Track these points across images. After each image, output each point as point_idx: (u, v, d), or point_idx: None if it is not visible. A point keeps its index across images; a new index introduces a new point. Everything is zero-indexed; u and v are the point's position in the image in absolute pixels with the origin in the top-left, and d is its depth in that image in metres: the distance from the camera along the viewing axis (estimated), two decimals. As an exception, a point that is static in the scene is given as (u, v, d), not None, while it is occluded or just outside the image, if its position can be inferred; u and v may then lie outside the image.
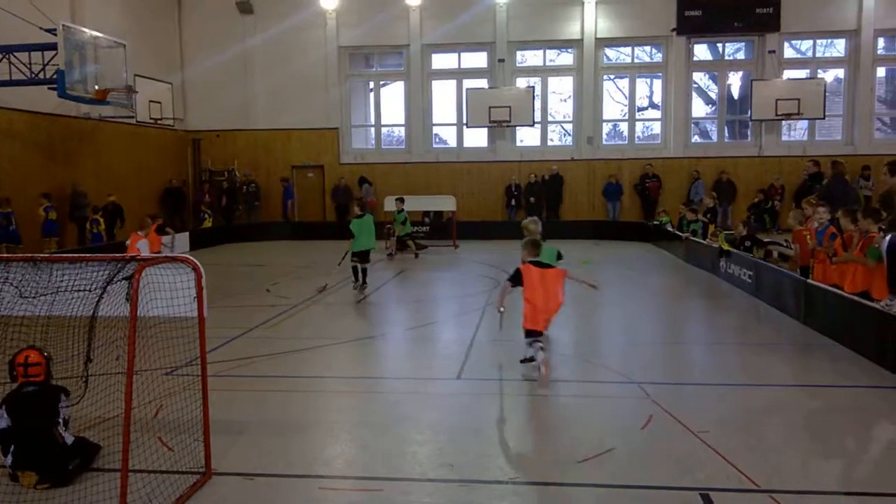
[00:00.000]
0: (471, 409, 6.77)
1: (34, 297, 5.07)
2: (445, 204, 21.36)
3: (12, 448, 5.05)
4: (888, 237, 7.89)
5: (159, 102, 21.23)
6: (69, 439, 5.18)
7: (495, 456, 5.57)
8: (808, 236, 10.56)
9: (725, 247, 13.86)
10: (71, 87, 14.92)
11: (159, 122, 21.40)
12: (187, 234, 21.31)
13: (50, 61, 14.90)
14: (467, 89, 24.15)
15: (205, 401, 5.23)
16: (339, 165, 24.96)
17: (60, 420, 5.17)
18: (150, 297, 4.76)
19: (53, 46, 14.61)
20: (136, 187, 21.54)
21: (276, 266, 17.48)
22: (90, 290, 4.97)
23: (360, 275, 13.25)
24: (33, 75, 15.21)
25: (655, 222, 20.78)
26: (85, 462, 5.23)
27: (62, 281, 5.03)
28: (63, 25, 14.83)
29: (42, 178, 17.65)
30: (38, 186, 17.28)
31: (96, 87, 15.82)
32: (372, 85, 26.40)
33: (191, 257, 5.02)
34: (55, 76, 14.70)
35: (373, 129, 26.27)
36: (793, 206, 13.38)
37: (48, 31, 14.74)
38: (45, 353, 5.31)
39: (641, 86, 25.33)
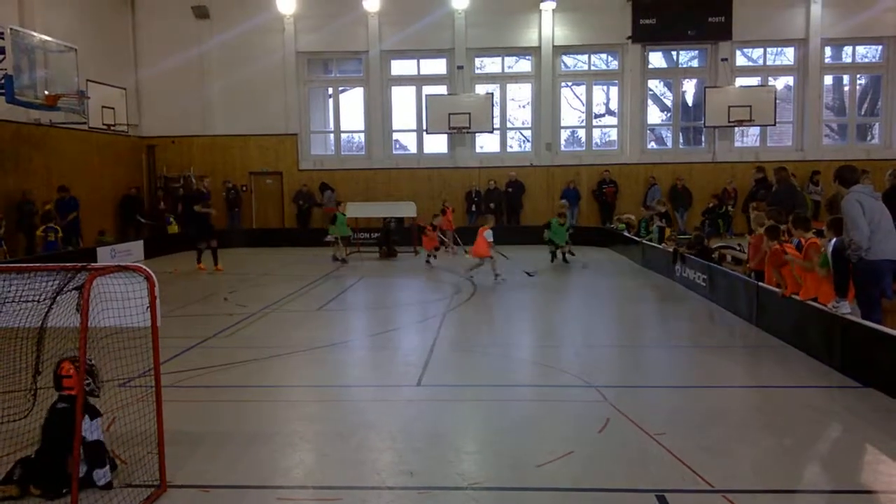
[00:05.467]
0: (430, 415, 6.77)
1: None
2: (406, 210, 21.30)
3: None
4: (832, 241, 8.08)
5: (112, 108, 20.76)
6: (82, 469, 4.83)
7: (455, 462, 5.57)
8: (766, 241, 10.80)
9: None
10: (20, 92, 14.54)
11: (112, 127, 20.93)
12: (142, 242, 20.91)
13: (-3, 66, 14.54)
14: (427, 96, 24.23)
15: (159, 412, 5.14)
16: (298, 171, 24.76)
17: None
18: (102, 307, 4.67)
19: (1, 51, 14.27)
20: (89, 195, 21.01)
21: (233, 274, 17.25)
22: (39, 301, 4.85)
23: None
24: (-20, 80, 14.82)
25: (612, 226, 21.05)
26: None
27: (9, 291, 4.91)
28: (11, 29, 14.48)
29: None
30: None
31: (46, 93, 15.44)
32: (331, 91, 26.24)
33: (143, 266, 4.94)
34: (3, 81, 14.33)
35: (332, 136, 26.13)
36: (749, 210, 13.47)
37: (-5, 35, 14.40)
38: (75, 365, 4.90)
39: (598, 93, 25.69)
